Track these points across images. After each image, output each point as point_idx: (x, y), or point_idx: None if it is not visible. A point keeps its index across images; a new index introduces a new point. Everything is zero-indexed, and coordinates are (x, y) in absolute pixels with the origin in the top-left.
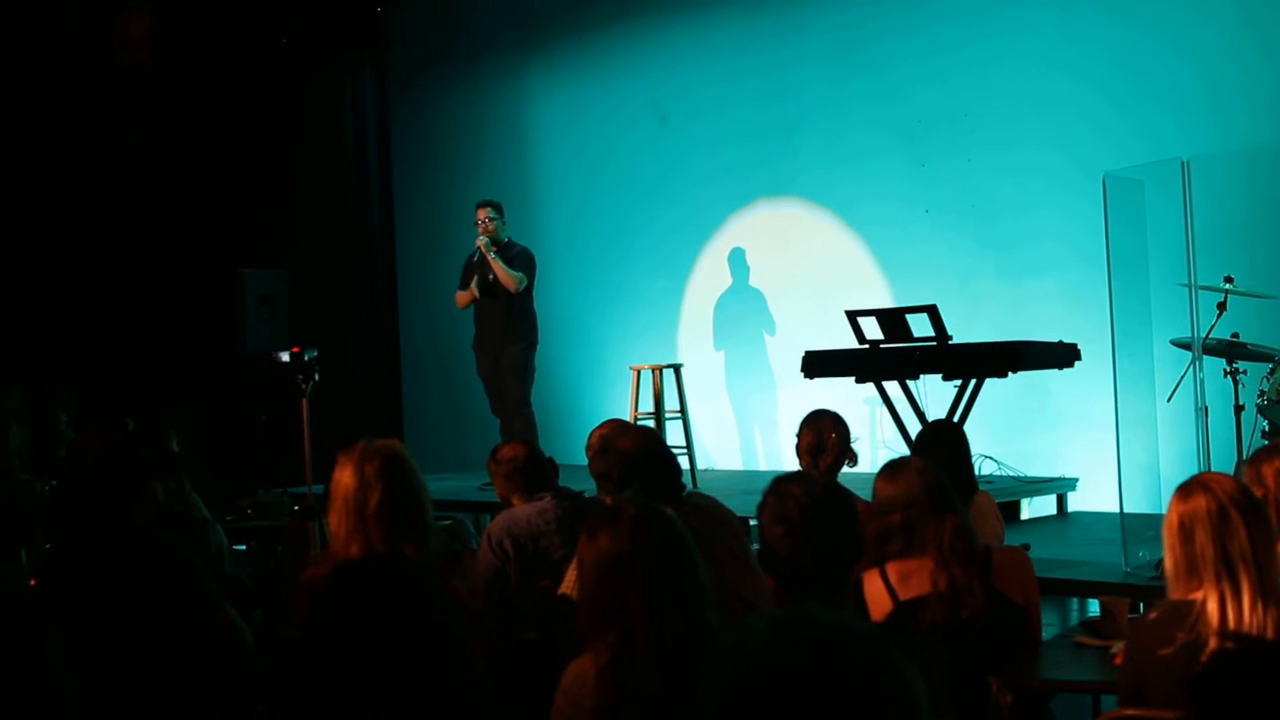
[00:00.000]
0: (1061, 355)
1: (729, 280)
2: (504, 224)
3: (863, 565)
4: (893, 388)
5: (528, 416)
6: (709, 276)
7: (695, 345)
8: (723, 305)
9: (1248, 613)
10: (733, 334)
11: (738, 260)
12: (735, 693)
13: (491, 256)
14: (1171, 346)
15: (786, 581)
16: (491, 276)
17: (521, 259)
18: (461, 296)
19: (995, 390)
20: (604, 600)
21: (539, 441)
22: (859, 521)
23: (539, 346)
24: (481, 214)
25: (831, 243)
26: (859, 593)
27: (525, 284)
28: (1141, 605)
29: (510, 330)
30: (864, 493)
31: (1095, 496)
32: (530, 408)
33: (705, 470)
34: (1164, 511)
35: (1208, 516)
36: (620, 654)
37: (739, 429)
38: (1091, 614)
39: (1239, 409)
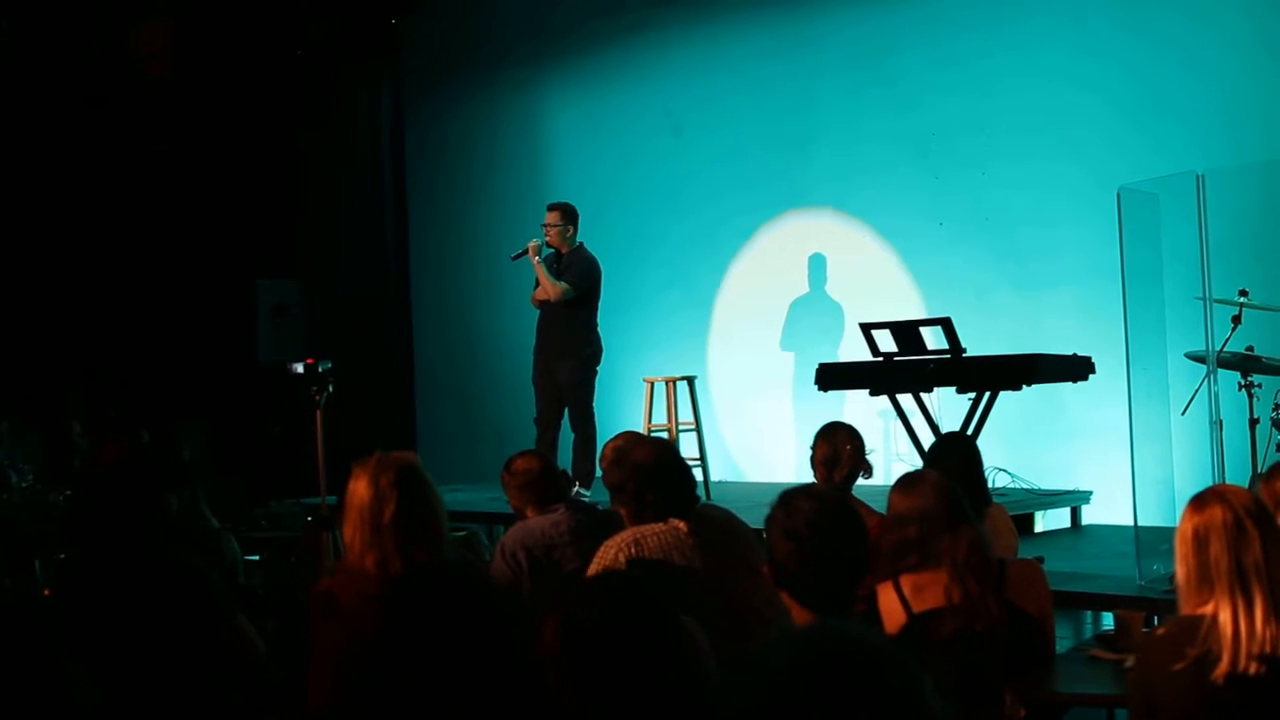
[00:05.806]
0: (1076, 368)
1: (753, 293)
2: (569, 230)
3: (877, 578)
4: (907, 400)
5: (587, 433)
6: (731, 289)
7: (722, 357)
8: (747, 317)
9: (1260, 626)
10: (759, 345)
11: (764, 272)
12: (756, 707)
13: (536, 261)
14: (1186, 360)
15: (796, 595)
16: (536, 282)
17: (575, 269)
18: (534, 296)
19: (1009, 403)
20: None
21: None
22: (868, 537)
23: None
24: (547, 217)
25: (855, 253)
26: (873, 605)
27: (571, 295)
28: (1156, 618)
29: (564, 345)
30: (878, 505)
31: (1109, 509)
32: (589, 423)
33: (720, 482)
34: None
35: (1224, 527)
36: None
37: (765, 441)
38: (1106, 627)
39: (1254, 422)
